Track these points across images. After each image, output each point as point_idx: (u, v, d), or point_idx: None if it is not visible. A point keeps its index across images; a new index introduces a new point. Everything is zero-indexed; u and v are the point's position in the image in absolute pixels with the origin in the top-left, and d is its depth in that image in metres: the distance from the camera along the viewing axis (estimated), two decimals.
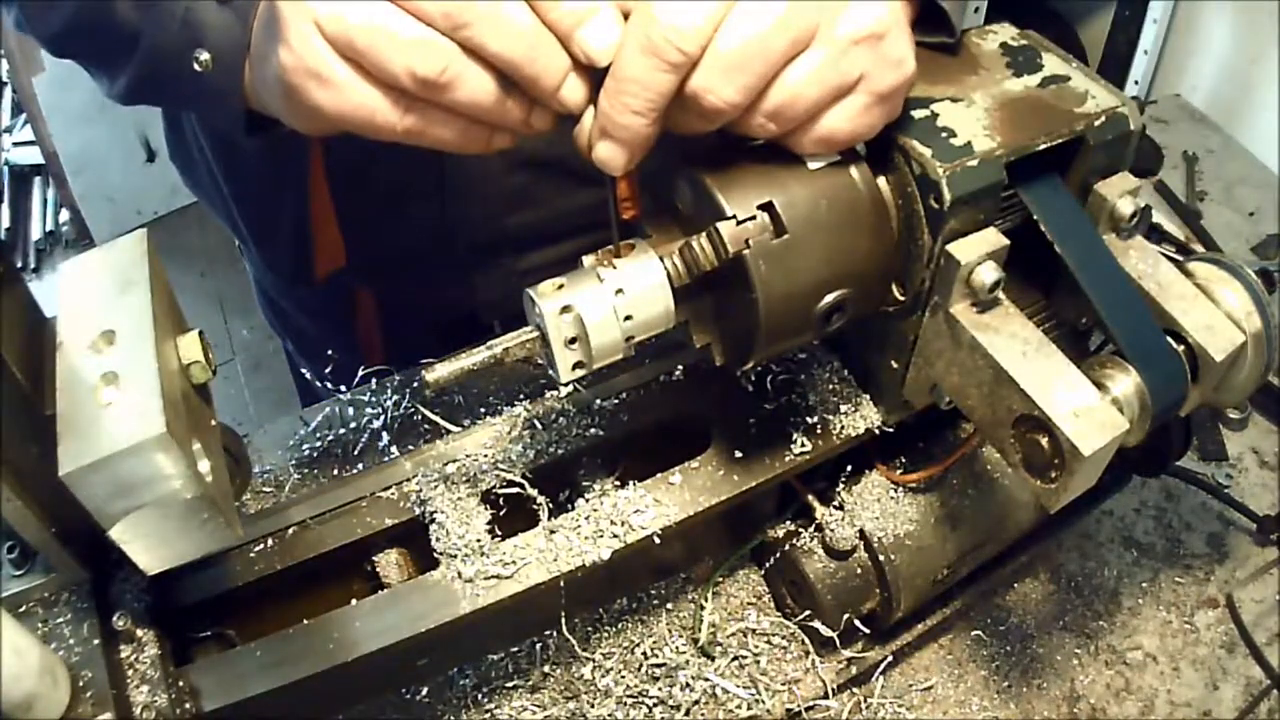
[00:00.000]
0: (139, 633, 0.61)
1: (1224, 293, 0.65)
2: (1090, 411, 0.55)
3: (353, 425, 0.81)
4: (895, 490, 0.77)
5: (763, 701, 0.78)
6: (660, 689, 0.78)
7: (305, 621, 0.64)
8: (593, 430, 0.73)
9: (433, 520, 0.68)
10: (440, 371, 0.57)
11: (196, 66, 0.61)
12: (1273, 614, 0.89)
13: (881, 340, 0.67)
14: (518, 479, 0.70)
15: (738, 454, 0.71)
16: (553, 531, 0.67)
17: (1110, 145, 0.61)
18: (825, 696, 0.79)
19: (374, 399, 0.82)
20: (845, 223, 0.57)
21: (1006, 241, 0.58)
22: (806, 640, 0.80)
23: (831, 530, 0.75)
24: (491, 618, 0.65)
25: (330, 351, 0.86)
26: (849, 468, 0.76)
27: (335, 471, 0.78)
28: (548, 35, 0.50)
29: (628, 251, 0.57)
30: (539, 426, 0.73)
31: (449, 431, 0.76)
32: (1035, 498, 0.71)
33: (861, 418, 0.71)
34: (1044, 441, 0.56)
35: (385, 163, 0.85)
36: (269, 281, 1.13)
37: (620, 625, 0.82)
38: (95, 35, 0.68)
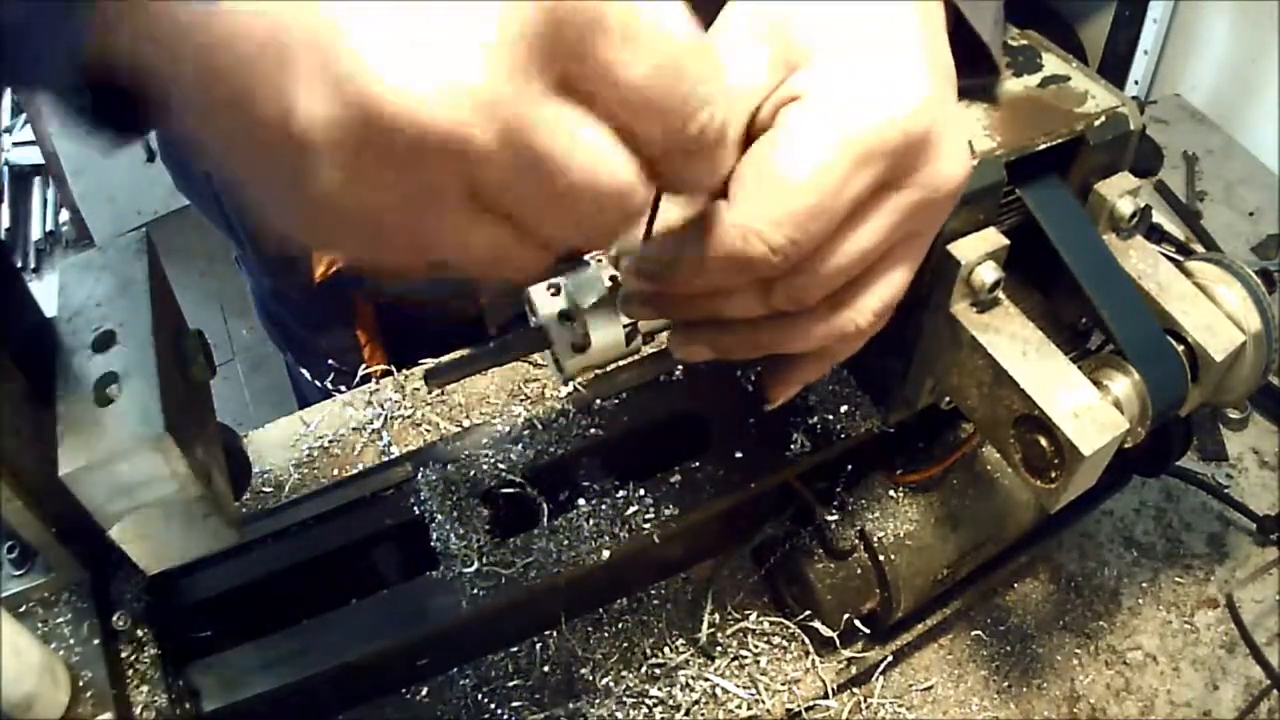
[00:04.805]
0: (139, 633, 0.61)
1: (1224, 293, 0.65)
2: (1090, 411, 0.55)
3: (353, 425, 0.81)
4: (895, 490, 0.77)
5: (763, 701, 0.78)
6: (660, 689, 0.78)
7: (305, 621, 0.64)
8: (593, 430, 0.73)
9: (433, 520, 0.68)
10: (441, 371, 0.57)
11: None
12: (1273, 614, 0.89)
13: (881, 340, 0.67)
14: (518, 479, 0.70)
15: (738, 454, 0.71)
16: (553, 531, 0.67)
17: (1110, 145, 0.61)
18: (825, 696, 0.79)
19: (374, 399, 0.82)
20: None
21: (1007, 241, 0.58)
22: (806, 640, 0.80)
23: (831, 530, 0.75)
24: (491, 618, 0.65)
25: (331, 361, 0.85)
26: (849, 468, 0.76)
27: (335, 471, 0.78)
28: None
29: None
30: (539, 426, 0.73)
31: (449, 431, 0.76)
32: (1035, 498, 0.71)
33: (861, 418, 0.71)
34: (1044, 441, 0.56)
35: None
36: (267, 293, 1.13)
37: (620, 625, 0.82)
38: None
